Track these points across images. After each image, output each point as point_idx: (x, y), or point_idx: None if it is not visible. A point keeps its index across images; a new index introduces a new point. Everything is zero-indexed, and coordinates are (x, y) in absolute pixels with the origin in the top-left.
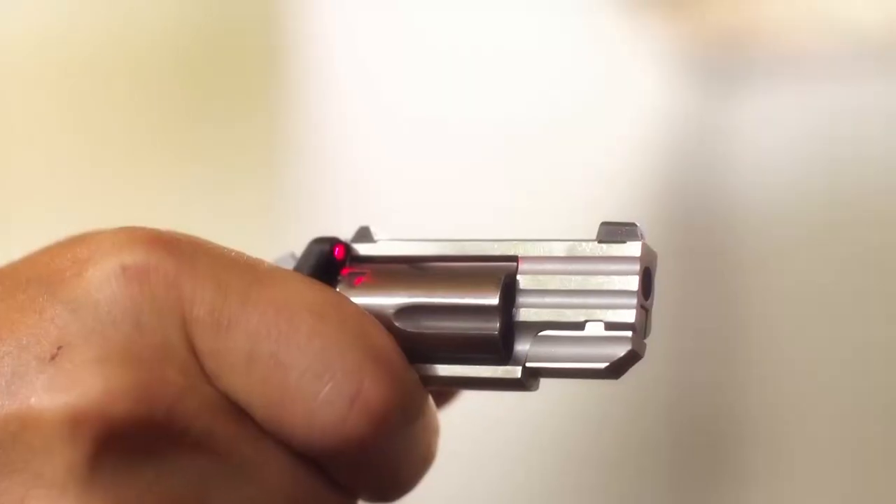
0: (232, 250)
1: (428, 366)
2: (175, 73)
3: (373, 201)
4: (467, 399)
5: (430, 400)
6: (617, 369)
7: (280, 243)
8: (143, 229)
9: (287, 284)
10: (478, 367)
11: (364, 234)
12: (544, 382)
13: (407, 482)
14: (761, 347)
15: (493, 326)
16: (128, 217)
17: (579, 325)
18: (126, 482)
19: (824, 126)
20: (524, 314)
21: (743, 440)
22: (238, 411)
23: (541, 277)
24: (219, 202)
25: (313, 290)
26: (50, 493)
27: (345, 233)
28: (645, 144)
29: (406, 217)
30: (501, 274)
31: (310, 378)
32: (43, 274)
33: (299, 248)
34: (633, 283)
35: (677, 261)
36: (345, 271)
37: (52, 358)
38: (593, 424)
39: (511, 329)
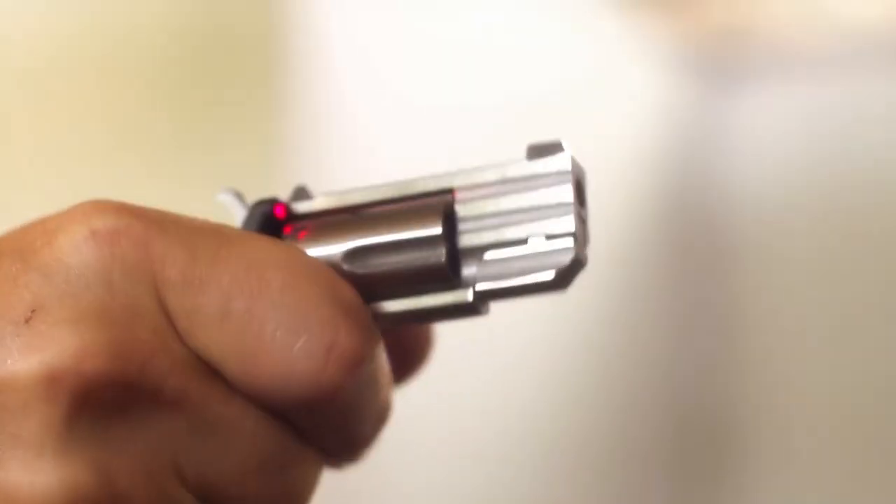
0: (197, 218)
1: (381, 304)
2: (172, 62)
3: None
4: (466, 399)
5: (384, 348)
6: (564, 277)
7: None
8: (109, 199)
9: (255, 243)
10: (429, 297)
11: (302, 193)
12: (533, 383)
13: (371, 434)
14: (760, 345)
15: (440, 254)
16: None
17: (522, 242)
18: (101, 440)
19: (823, 123)
20: (467, 240)
21: (743, 439)
22: (210, 370)
23: (478, 203)
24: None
25: (280, 248)
26: (27, 454)
27: None
28: (640, 142)
29: None
30: (440, 205)
31: (285, 331)
32: (16, 246)
33: None
34: (567, 193)
35: (674, 259)
36: (287, 229)
37: (27, 321)
38: (590, 423)
39: (457, 256)
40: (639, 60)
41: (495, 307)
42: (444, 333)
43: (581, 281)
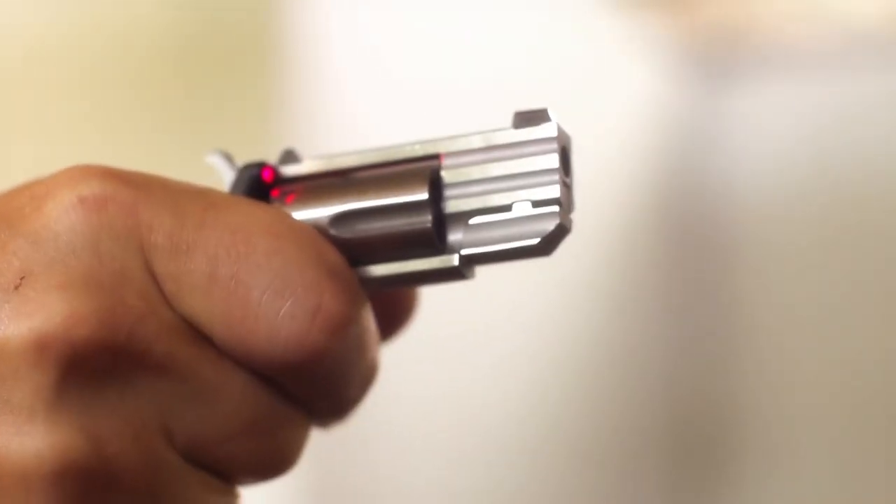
0: (184, 182)
1: (368, 268)
2: (168, 57)
3: None
4: (464, 397)
5: (371, 311)
6: (549, 243)
7: None
8: (96, 165)
9: (241, 207)
10: (415, 261)
11: (290, 156)
12: (533, 384)
13: (357, 395)
14: (759, 347)
15: (426, 220)
16: None
17: (507, 208)
18: (91, 404)
19: (819, 122)
20: (453, 205)
21: (741, 441)
22: (198, 334)
23: (464, 169)
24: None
25: (267, 212)
26: (17, 419)
27: None
28: (638, 139)
29: None
30: (427, 170)
31: (271, 295)
32: (3, 213)
33: None
34: (553, 160)
35: (672, 255)
36: (275, 192)
37: (16, 287)
38: (589, 424)
39: (443, 221)
40: (637, 57)
41: (493, 303)
42: (440, 332)
43: (576, 277)
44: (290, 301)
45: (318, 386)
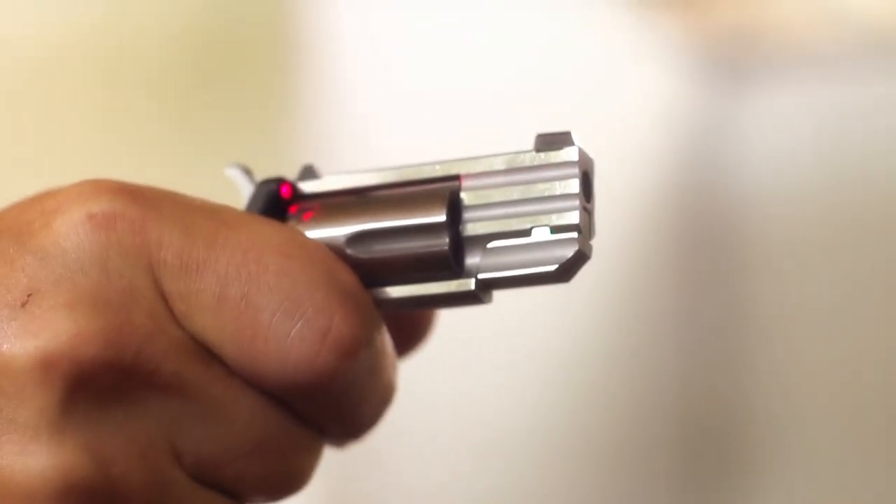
0: (196, 198)
1: (384, 289)
2: (180, 59)
3: None
4: (474, 400)
5: (387, 332)
6: (567, 270)
7: None
8: (108, 180)
9: (253, 227)
10: (432, 284)
11: (309, 172)
12: (543, 384)
13: (371, 418)
14: (767, 348)
15: (443, 242)
16: None
17: (526, 233)
18: (96, 424)
19: (833, 124)
20: (471, 228)
21: (749, 442)
22: (207, 352)
23: (484, 192)
24: (228, 198)
25: (279, 232)
26: (22, 438)
27: None
28: (650, 140)
29: None
30: (446, 192)
31: (281, 316)
32: (13, 226)
33: None
34: (573, 185)
35: (682, 261)
36: (293, 208)
37: (23, 305)
38: (597, 425)
39: (461, 244)
40: (650, 60)
41: (504, 306)
42: (452, 335)
43: (588, 279)
44: (301, 322)
45: (331, 407)
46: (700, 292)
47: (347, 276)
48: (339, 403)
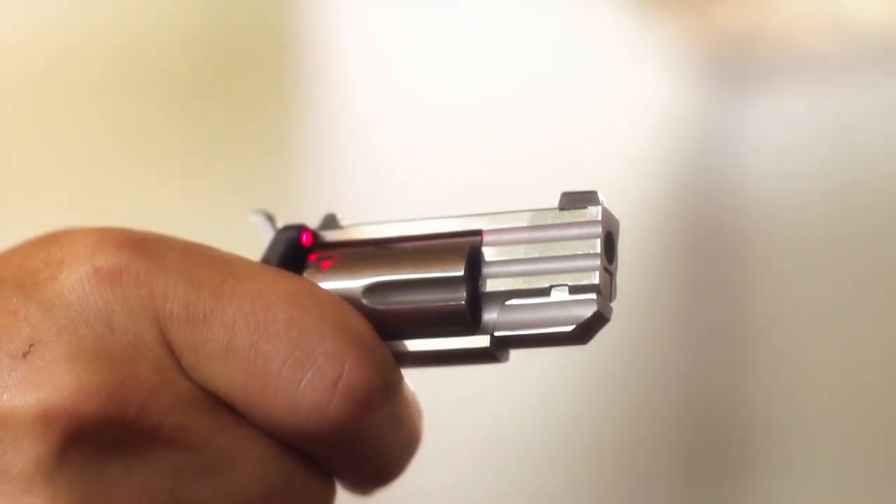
0: (204, 246)
1: (399, 342)
2: (186, 69)
3: (387, 195)
4: (479, 403)
5: (407, 382)
6: (584, 331)
7: None
8: (113, 230)
9: (261, 276)
10: (447, 339)
11: (330, 222)
12: (545, 385)
13: (394, 467)
14: (768, 349)
15: (460, 297)
16: (133, 220)
17: (545, 292)
18: (94, 478)
19: (833, 126)
20: (491, 284)
21: (750, 442)
22: (214, 402)
23: (505, 248)
24: (230, 200)
25: (287, 281)
26: (16, 490)
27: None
28: (651, 143)
29: (418, 208)
30: (466, 246)
31: (291, 365)
32: (17, 275)
33: None
34: (595, 246)
35: (684, 263)
36: (312, 257)
37: (25, 355)
38: (597, 425)
39: (479, 300)
40: (650, 62)
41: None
42: None
43: None
44: (311, 371)
45: (348, 455)
46: (701, 293)
47: (360, 324)
48: (356, 451)
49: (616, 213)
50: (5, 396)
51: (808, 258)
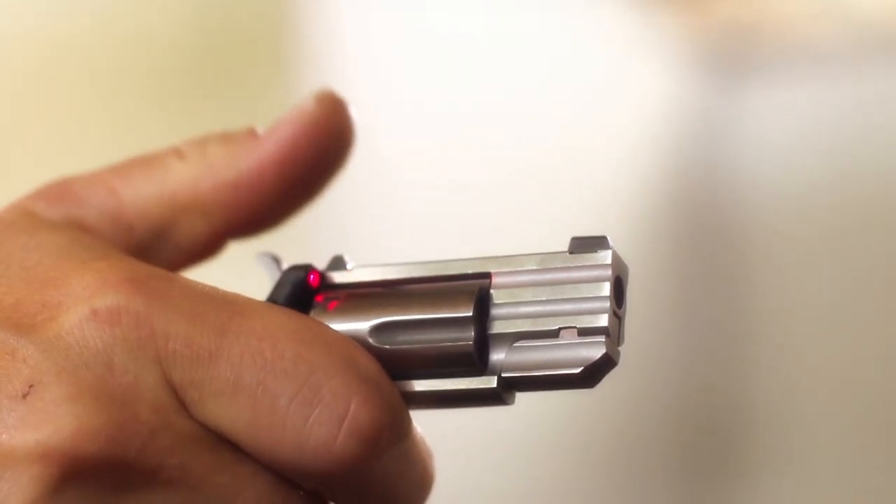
0: (206, 285)
1: (405, 382)
2: (184, 65)
3: (386, 191)
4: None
5: (415, 422)
6: (592, 374)
7: (292, 247)
8: (111, 268)
9: (267, 314)
10: (454, 380)
11: (338, 263)
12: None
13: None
14: (767, 343)
15: (468, 337)
16: None
17: (553, 334)
18: None
19: (832, 118)
20: (499, 326)
21: (748, 439)
22: (215, 440)
23: (514, 290)
24: None
25: (293, 319)
26: None
27: (351, 238)
28: (652, 136)
29: (420, 207)
30: (475, 287)
31: (299, 403)
32: (12, 317)
33: (310, 254)
34: (604, 289)
35: (683, 256)
36: (319, 297)
37: (24, 396)
38: (595, 421)
39: (486, 341)
40: (651, 55)
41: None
42: None
43: None
44: (318, 408)
45: (357, 496)
46: (699, 286)
47: (367, 362)
48: (365, 492)
49: (615, 205)
50: (4, 436)
51: (809, 251)
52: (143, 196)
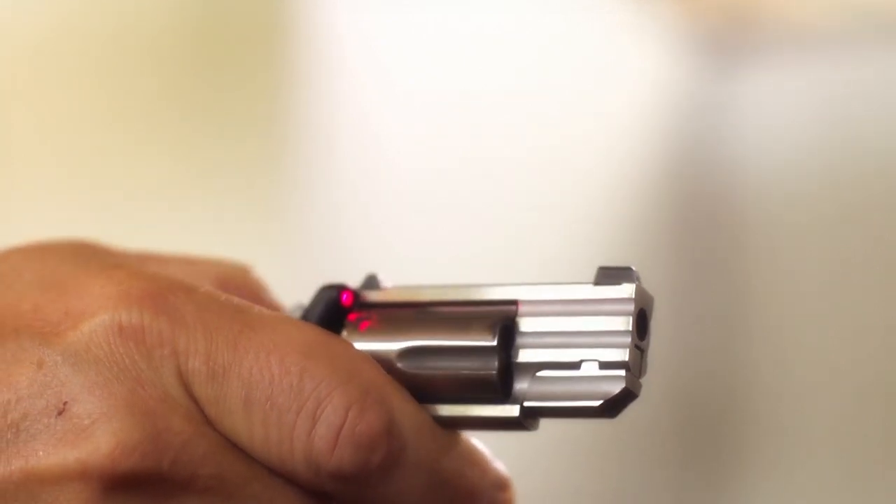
0: (222, 295)
1: (430, 406)
2: (180, 53)
3: (384, 187)
4: None
5: (463, 437)
6: (611, 407)
7: (290, 250)
8: (131, 282)
9: (276, 327)
10: (478, 406)
11: (371, 282)
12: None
13: None
14: (766, 337)
15: (492, 366)
16: (129, 197)
17: (575, 365)
18: None
19: (829, 102)
20: (523, 355)
21: (747, 433)
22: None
23: (539, 319)
24: (225, 204)
25: (301, 331)
26: None
27: (358, 241)
28: (647, 122)
29: (414, 188)
30: (501, 316)
31: (304, 417)
32: (33, 325)
33: (309, 261)
34: (626, 323)
35: (679, 243)
36: (352, 317)
37: (60, 413)
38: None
39: (510, 370)
40: (646, 41)
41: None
42: None
43: (583, 261)
44: (319, 421)
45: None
46: (694, 271)
47: (373, 374)
48: (381, 498)
49: (612, 192)
50: (41, 453)
51: (805, 237)
52: None
